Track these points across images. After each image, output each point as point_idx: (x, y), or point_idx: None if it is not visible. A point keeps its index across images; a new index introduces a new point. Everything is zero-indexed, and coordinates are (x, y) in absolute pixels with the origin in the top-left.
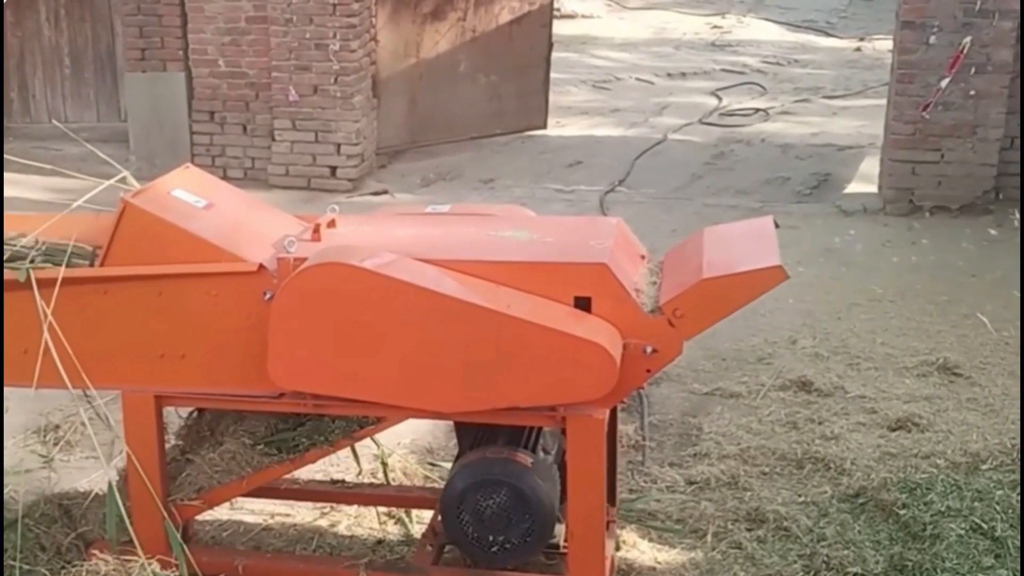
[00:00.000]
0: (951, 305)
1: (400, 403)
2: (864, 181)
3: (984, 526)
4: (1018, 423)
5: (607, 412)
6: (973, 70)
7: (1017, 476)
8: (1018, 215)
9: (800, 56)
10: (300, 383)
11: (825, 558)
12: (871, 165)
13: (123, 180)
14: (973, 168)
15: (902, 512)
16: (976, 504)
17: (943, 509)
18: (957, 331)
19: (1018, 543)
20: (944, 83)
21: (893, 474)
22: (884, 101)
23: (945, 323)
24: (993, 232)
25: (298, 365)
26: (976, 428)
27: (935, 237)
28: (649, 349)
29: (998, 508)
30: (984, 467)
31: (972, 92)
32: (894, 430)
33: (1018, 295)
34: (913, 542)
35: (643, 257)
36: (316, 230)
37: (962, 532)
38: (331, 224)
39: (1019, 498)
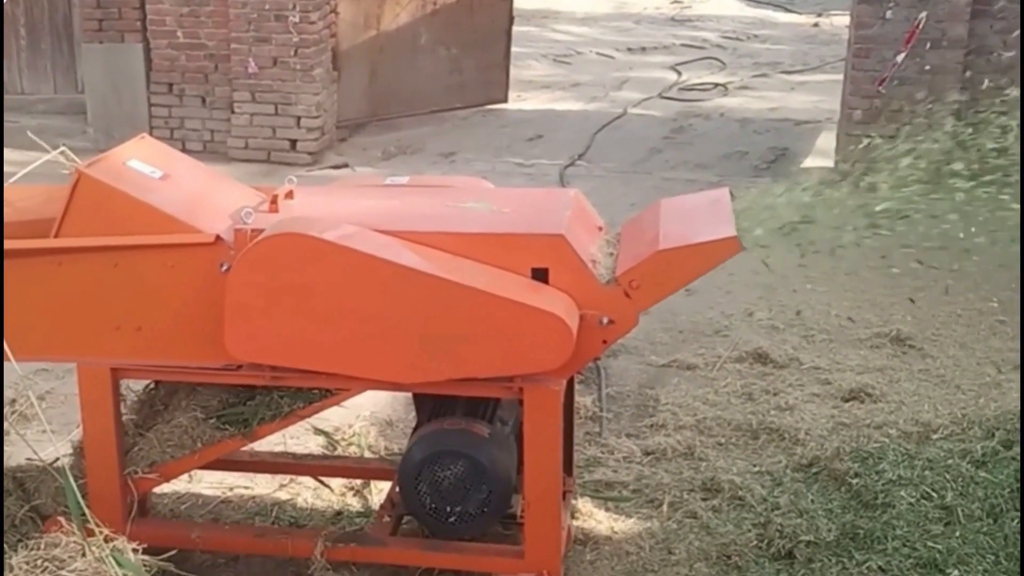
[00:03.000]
0: (904, 278)
1: (358, 374)
2: (821, 156)
3: (934, 495)
4: (968, 393)
5: (564, 383)
6: (928, 45)
7: (967, 445)
8: None
9: (759, 31)
10: (257, 355)
11: (779, 527)
12: (828, 140)
13: (63, 155)
14: None
15: (854, 481)
16: (927, 473)
17: (894, 478)
18: (909, 303)
19: (968, 511)
20: (900, 58)
21: (846, 444)
22: (841, 76)
23: (898, 295)
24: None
25: (255, 336)
26: (928, 399)
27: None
28: (605, 320)
29: (948, 477)
30: (935, 436)
31: (927, 67)
32: (847, 401)
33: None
34: (865, 510)
35: (600, 229)
36: (274, 201)
37: (912, 500)
38: (289, 195)
39: (969, 467)
